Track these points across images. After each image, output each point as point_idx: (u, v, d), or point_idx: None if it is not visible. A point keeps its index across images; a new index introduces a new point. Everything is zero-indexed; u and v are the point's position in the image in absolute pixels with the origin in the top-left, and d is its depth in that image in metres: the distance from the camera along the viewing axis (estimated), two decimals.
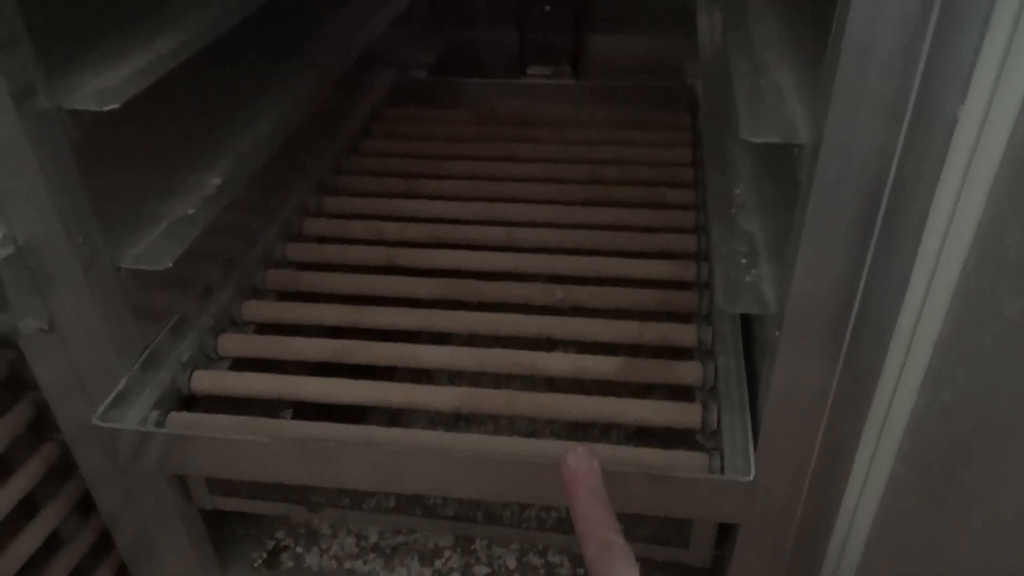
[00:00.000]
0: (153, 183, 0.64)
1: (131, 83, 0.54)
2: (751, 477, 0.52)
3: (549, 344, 0.69)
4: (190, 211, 0.65)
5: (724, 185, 0.67)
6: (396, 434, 0.57)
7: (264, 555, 0.79)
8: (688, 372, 0.62)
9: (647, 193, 0.84)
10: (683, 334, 0.66)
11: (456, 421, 0.85)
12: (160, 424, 0.59)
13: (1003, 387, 0.36)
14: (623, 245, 0.77)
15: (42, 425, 0.67)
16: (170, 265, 0.59)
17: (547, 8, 1.13)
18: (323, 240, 0.81)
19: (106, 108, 0.51)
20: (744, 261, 0.58)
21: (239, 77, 0.75)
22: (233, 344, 0.68)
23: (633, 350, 0.66)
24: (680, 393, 0.63)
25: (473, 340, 0.69)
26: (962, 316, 0.40)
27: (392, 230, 0.80)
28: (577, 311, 0.70)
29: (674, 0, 1.12)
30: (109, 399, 0.58)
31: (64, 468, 0.69)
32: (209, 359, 0.68)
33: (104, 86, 0.54)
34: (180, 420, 0.60)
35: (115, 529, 0.71)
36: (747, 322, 0.64)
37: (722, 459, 0.55)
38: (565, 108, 1.05)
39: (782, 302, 0.48)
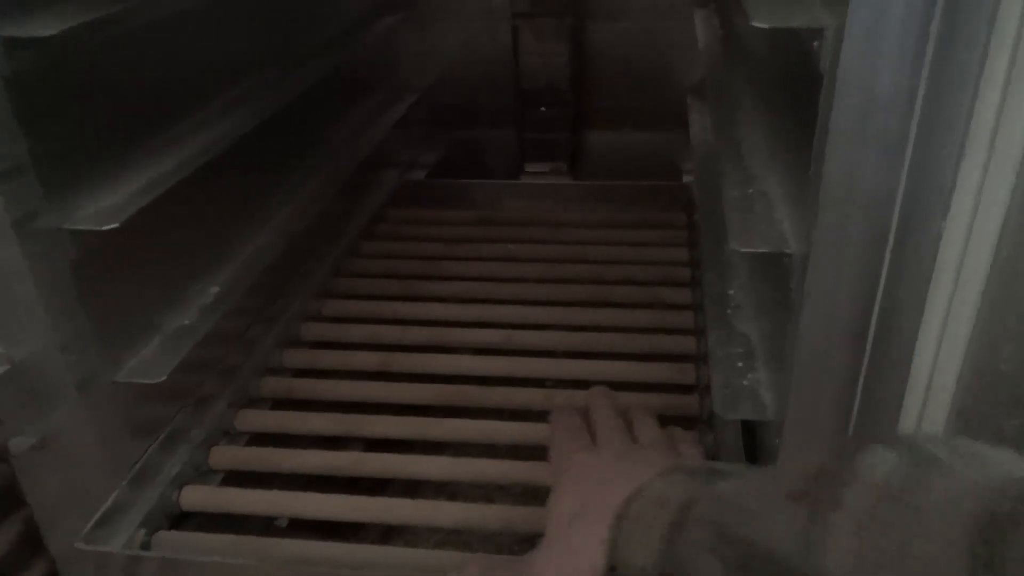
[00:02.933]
0: (152, 295, 0.64)
1: (132, 202, 0.56)
2: None
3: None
4: (187, 321, 0.66)
5: (720, 286, 0.67)
6: (391, 554, 0.56)
7: None
8: None
9: (645, 293, 0.84)
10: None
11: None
12: (146, 545, 0.58)
13: None
14: (622, 347, 0.77)
15: (34, 541, 0.65)
16: (164, 378, 0.59)
17: (544, 110, 1.16)
18: (321, 345, 0.81)
19: (106, 228, 0.52)
20: (741, 364, 0.58)
21: (240, 186, 0.77)
22: (225, 457, 0.67)
23: None
24: None
25: (470, 449, 0.68)
26: (960, 431, 0.39)
27: (391, 334, 0.80)
28: None
29: (669, 100, 1.15)
30: (95, 519, 0.57)
31: None
32: (200, 472, 0.66)
33: (105, 205, 0.55)
34: (167, 540, 0.58)
35: None
36: (749, 425, 0.63)
37: None
38: (563, 208, 1.06)
39: (781, 409, 0.47)
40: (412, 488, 0.74)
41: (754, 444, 0.61)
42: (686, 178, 1.13)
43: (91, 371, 0.57)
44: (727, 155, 0.58)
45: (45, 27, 0.47)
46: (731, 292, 0.66)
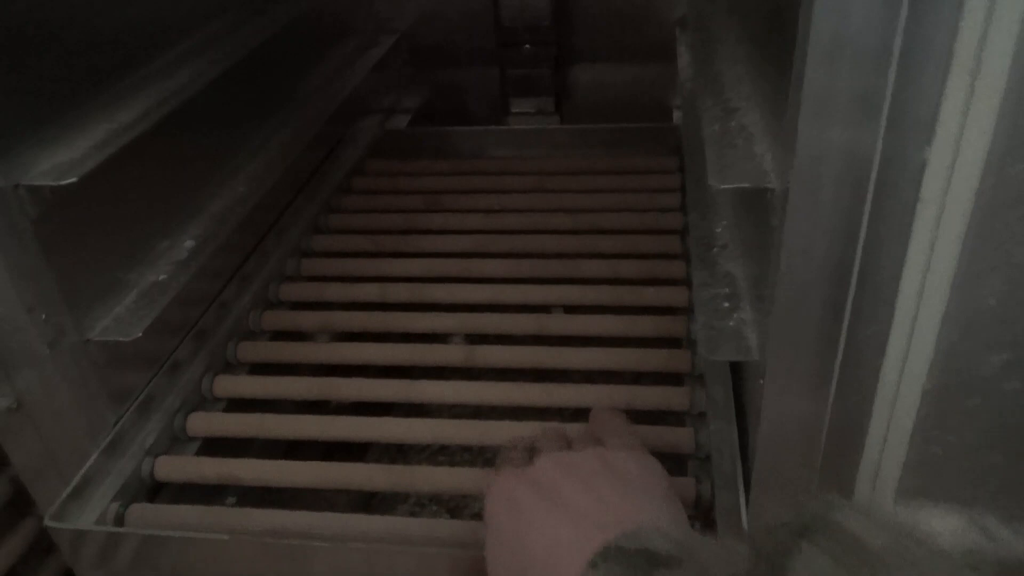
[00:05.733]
0: (121, 251, 0.63)
1: (91, 156, 0.54)
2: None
3: (535, 413, 0.67)
4: (161, 277, 0.64)
5: (706, 228, 0.65)
6: (369, 523, 0.55)
7: None
8: (681, 440, 0.60)
9: (635, 242, 0.83)
10: (675, 397, 0.64)
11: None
12: (120, 519, 0.57)
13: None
14: (612, 300, 0.75)
15: (21, 501, 0.65)
16: (140, 335, 0.58)
17: (527, 47, 1.13)
18: (299, 306, 0.80)
19: (64, 183, 0.50)
20: (727, 305, 0.56)
21: (209, 136, 0.75)
22: (203, 424, 0.66)
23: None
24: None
25: (454, 410, 0.67)
26: (947, 371, 0.38)
27: (373, 292, 0.79)
28: (565, 374, 0.68)
29: (656, 31, 1.12)
30: (66, 492, 0.56)
31: (45, 545, 0.67)
32: (177, 440, 0.65)
33: (62, 160, 0.53)
34: (141, 514, 0.57)
35: None
36: (738, 368, 0.62)
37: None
38: (550, 154, 1.04)
39: (764, 349, 0.46)
40: (394, 452, 0.74)
41: (741, 382, 0.61)
42: (676, 115, 1.10)
43: (61, 331, 0.55)
44: (708, 90, 0.56)
45: None
46: (717, 231, 0.64)
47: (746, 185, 0.43)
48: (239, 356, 0.73)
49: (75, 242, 0.57)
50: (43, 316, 0.54)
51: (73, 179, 0.51)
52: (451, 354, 0.71)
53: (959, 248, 0.37)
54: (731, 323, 0.54)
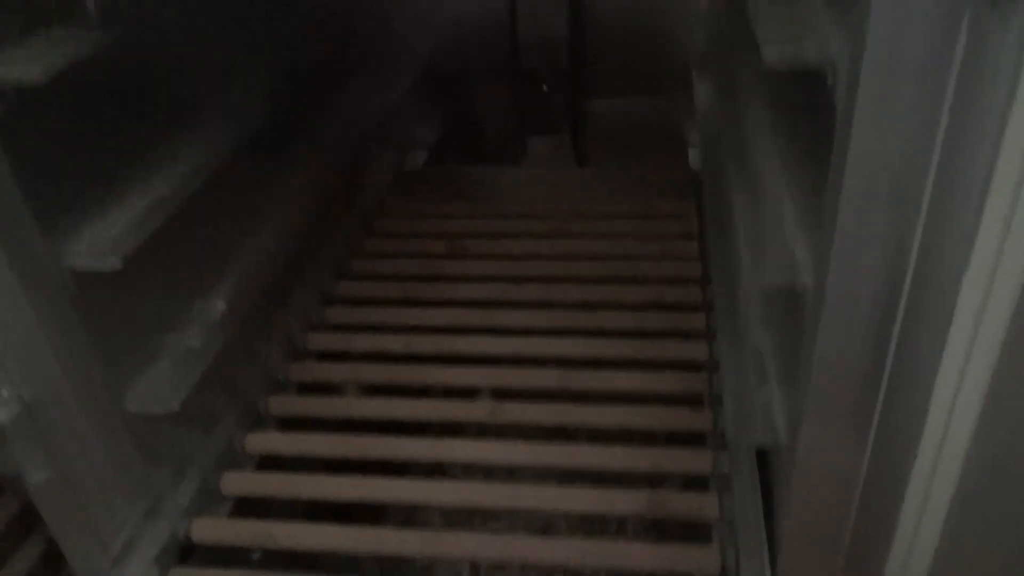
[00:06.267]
0: (156, 315, 0.64)
1: (131, 234, 0.55)
2: None
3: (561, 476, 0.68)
4: (195, 343, 0.65)
5: (731, 303, 0.66)
6: None
7: None
8: (705, 507, 0.61)
9: (654, 293, 0.83)
10: (698, 462, 0.65)
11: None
12: None
13: None
14: (633, 353, 0.76)
15: (56, 559, 0.66)
16: (177, 408, 0.59)
17: (545, 88, 1.14)
18: (327, 357, 0.81)
19: (107, 267, 0.52)
20: (753, 382, 0.57)
21: (238, 190, 0.76)
22: (236, 484, 0.67)
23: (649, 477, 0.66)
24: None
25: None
26: (978, 474, 0.39)
27: (398, 343, 0.80)
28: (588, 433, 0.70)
29: (669, 61, 1.13)
30: (109, 563, 0.57)
31: None
32: (212, 499, 0.67)
33: (103, 238, 0.54)
34: None
35: None
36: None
37: None
38: (569, 196, 1.05)
39: (793, 434, 0.47)
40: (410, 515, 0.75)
41: (766, 466, 0.61)
42: (692, 153, 1.11)
43: (99, 401, 0.56)
44: (736, 168, 0.56)
45: (29, 71, 0.45)
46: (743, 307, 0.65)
47: (780, 283, 0.44)
48: (270, 410, 0.74)
49: (112, 312, 0.58)
50: (83, 390, 0.55)
51: (118, 263, 0.52)
52: (476, 411, 0.72)
53: (995, 357, 0.37)
54: (759, 403, 0.55)
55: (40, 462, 0.57)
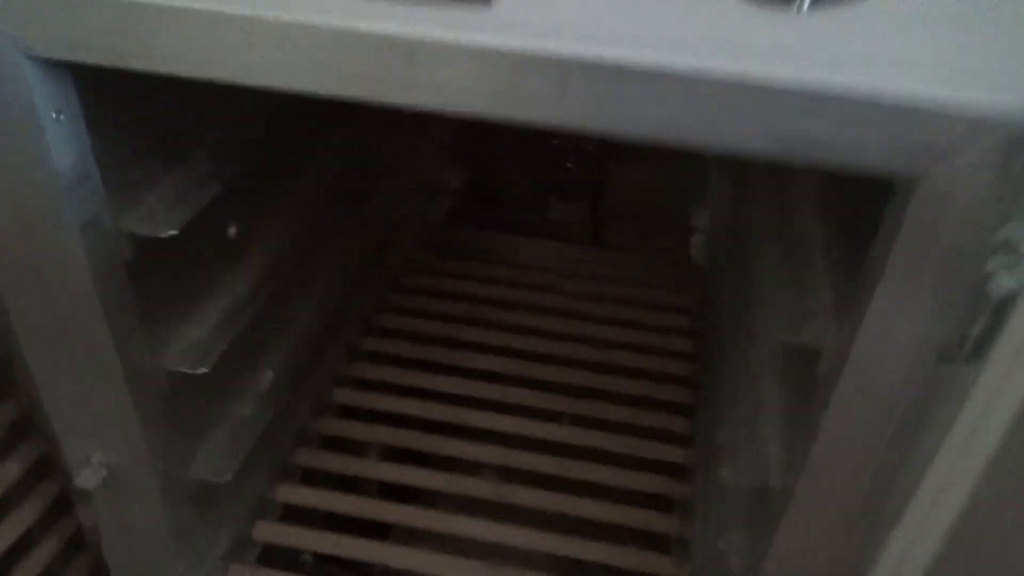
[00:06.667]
0: (217, 390, 0.73)
1: (217, 339, 0.64)
2: None
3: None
4: (247, 412, 0.75)
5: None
6: None
7: None
8: None
9: (644, 388, 0.94)
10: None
11: None
12: None
13: None
14: (623, 449, 0.87)
15: None
16: (230, 478, 0.69)
17: (570, 166, 1.22)
18: (349, 413, 0.91)
19: (198, 372, 0.61)
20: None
21: (293, 270, 0.84)
22: (267, 533, 0.77)
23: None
24: None
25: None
26: None
27: (415, 407, 0.90)
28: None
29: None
30: None
31: None
32: (245, 547, 0.77)
33: (190, 342, 0.63)
34: None
35: None
36: None
37: None
38: (578, 270, 1.14)
39: None
40: None
41: None
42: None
43: (170, 470, 0.66)
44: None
45: (162, 226, 0.54)
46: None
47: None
48: (297, 461, 0.84)
49: (187, 394, 0.67)
50: (158, 458, 0.64)
51: (205, 369, 0.61)
52: (483, 488, 0.82)
53: None
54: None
55: (116, 519, 0.67)
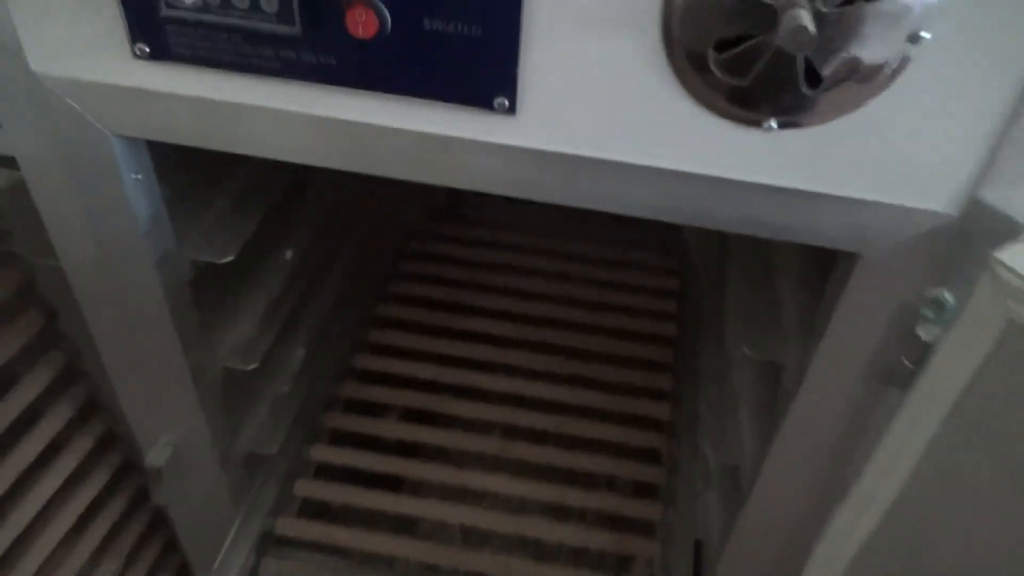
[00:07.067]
0: (260, 377, 0.82)
1: (263, 337, 0.73)
2: None
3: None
4: (285, 388, 0.84)
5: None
6: None
7: None
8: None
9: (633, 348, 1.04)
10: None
11: None
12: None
13: None
14: (613, 408, 0.98)
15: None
16: (275, 449, 0.79)
17: None
18: (367, 378, 1.01)
19: (249, 367, 0.70)
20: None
21: (320, 258, 0.93)
22: (305, 488, 0.88)
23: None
24: None
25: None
26: None
27: (429, 372, 1.00)
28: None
29: None
30: (222, 554, 0.79)
31: None
32: (287, 501, 0.88)
33: (241, 340, 0.72)
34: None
35: None
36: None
37: None
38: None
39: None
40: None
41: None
42: None
43: (225, 445, 0.76)
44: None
45: (220, 253, 0.62)
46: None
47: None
48: (325, 424, 0.94)
49: (238, 382, 0.76)
50: (216, 436, 0.74)
51: (255, 364, 0.70)
52: (490, 444, 0.93)
53: None
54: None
55: (181, 487, 0.77)
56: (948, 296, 0.45)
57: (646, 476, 0.92)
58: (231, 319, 0.73)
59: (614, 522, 0.89)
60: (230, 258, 0.62)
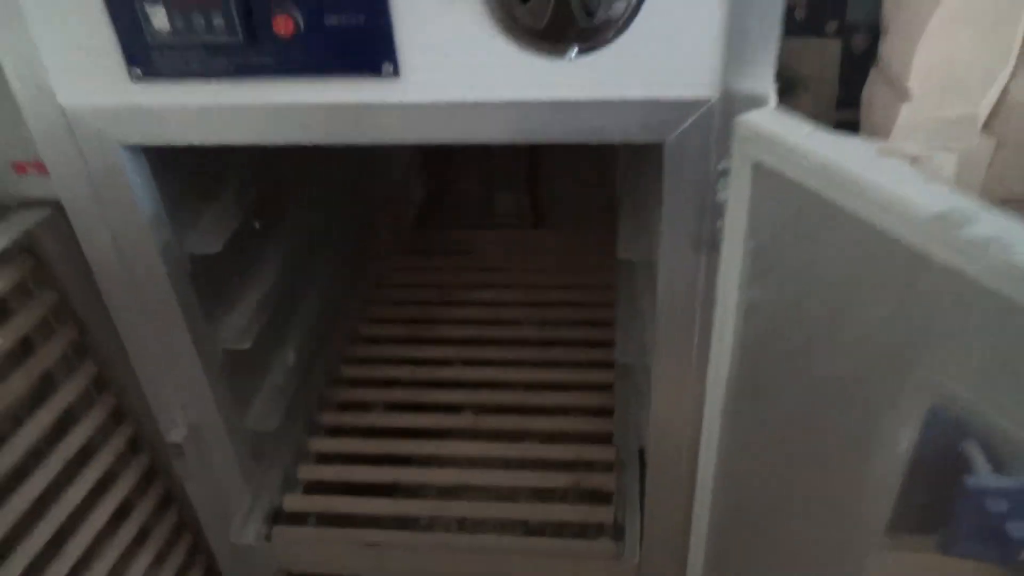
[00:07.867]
0: (259, 366, 0.98)
1: (254, 321, 0.90)
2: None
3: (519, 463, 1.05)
4: (280, 381, 1.00)
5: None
6: None
7: None
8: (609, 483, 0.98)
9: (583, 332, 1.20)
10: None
11: None
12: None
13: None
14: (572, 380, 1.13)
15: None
16: (274, 428, 0.95)
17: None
18: (356, 383, 1.17)
19: (242, 347, 0.87)
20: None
21: (303, 270, 1.11)
22: (308, 472, 1.03)
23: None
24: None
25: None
26: None
27: (406, 372, 1.16)
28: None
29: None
30: (237, 527, 0.93)
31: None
32: (292, 484, 1.02)
33: (237, 325, 0.89)
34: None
35: None
36: None
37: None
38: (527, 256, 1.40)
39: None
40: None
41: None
42: None
43: (234, 424, 0.91)
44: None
45: (210, 245, 0.80)
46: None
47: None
48: (323, 421, 1.09)
49: (238, 364, 0.92)
50: (225, 414, 0.89)
51: (247, 344, 0.87)
52: (463, 421, 1.08)
53: None
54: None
55: (198, 464, 0.92)
56: (728, 164, 0.62)
57: (600, 427, 1.06)
58: (227, 306, 0.89)
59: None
60: (217, 249, 0.80)
